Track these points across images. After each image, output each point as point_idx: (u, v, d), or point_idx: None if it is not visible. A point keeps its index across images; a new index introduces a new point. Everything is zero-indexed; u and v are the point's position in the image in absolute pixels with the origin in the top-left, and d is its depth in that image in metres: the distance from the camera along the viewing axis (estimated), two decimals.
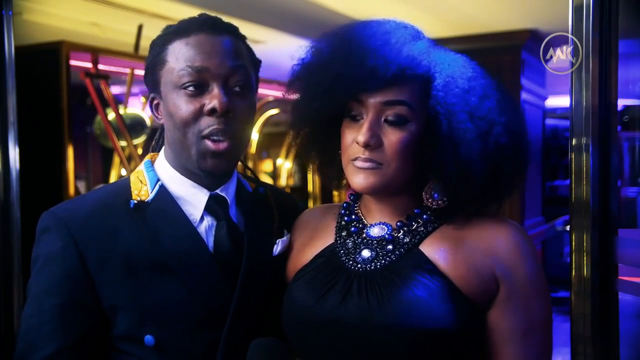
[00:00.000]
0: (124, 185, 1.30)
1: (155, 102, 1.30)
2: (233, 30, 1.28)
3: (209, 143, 1.21)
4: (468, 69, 1.20)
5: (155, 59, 1.26)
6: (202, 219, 1.28)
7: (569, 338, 1.72)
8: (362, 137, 1.14)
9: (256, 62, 1.33)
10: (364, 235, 1.24)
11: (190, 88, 1.21)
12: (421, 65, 1.16)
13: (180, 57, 1.22)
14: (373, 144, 1.15)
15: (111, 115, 4.35)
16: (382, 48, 1.14)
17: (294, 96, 1.27)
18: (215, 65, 1.21)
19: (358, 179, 1.17)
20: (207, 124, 1.21)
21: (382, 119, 1.16)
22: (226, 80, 1.22)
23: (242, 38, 1.30)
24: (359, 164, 1.17)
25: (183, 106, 1.21)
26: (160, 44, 1.26)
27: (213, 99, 1.20)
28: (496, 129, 1.16)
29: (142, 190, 1.28)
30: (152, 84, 1.28)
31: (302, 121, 1.27)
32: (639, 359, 1.91)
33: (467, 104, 1.15)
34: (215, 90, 1.21)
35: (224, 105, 1.19)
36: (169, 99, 1.24)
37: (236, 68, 1.23)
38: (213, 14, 1.30)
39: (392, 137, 1.15)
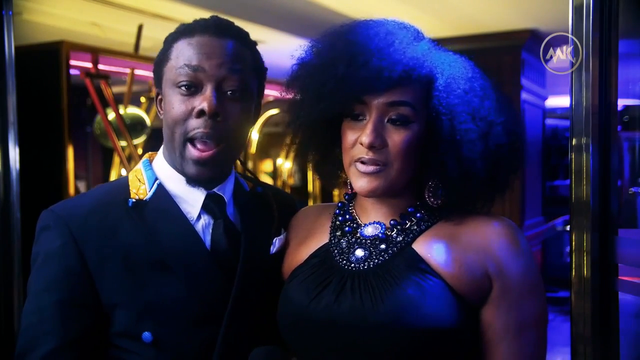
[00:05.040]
0: (123, 184, 1.31)
1: (159, 97, 1.32)
2: (240, 35, 1.29)
3: (192, 149, 1.22)
4: (468, 70, 1.21)
5: (161, 55, 1.29)
6: (199, 217, 1.29)
7: (569, 338, 1.72)
8: (366, 139, 1.14)
9: (261, 69, 1.33)
10: (358, 234, 1.25)
11: (184, 88, 1.22)
12: (424, 66, 1.16)
13: (180, 55, 1.23)
14: (378, 144, 1.15)
15: (111, 115, 4.35)
16: (386, 49, 1.14)
17: (292, 96, 1.26)
18: (210, 66, 1.22)
19: (362, 183, 1.17)
20: (194, 126, 1.22)
21: (386, 119, 1.16)
22: (220, 83, 1.23)
23: (249, 44, 1.31)
24: (363, 167, 1.17)
25: (176, 105, 1.23)
26: (169, 41, 1.28)
27: (203, 101, 1.21)
28: (495, 128, 1.17)
29: (140, 188, 1.28)
30: (157, 80, 1.31)
31: (302, 121, 1.27)
32: (639, 359, 1.91)
33: (469, 105, 1.16)
34: (208, 92, 1.21)
35: (212, 107, 1.20)
36: (166, 96, 1.26)
37: (232, 72, 1.23)
38: (213, 14, 1.31)
39: (395, 137, 1.15)
